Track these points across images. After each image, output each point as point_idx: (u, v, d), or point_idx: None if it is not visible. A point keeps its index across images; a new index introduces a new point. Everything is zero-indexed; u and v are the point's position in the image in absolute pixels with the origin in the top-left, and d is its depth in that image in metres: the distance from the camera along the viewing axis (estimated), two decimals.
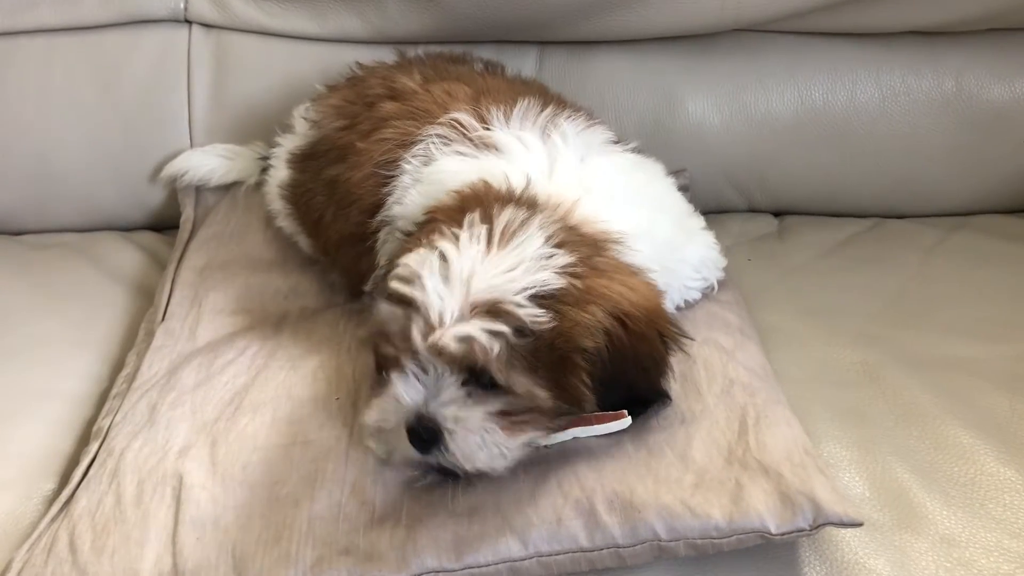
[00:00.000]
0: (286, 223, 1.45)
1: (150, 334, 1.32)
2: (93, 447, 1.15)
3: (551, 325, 0.98)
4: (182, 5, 1.63)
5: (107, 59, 1.64)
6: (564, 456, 1.05)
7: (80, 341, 1.38)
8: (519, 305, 0.97)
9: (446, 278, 0.98)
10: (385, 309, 1.02)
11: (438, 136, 1.22)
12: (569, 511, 1.00)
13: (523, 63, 1.63)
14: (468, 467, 1.00)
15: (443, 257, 0.99)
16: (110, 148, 1.65)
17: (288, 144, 1.45)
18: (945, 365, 1.26)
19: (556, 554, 0.99)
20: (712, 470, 1.02)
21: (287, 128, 1.47)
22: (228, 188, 1.62)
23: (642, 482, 1.01)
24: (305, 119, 1.43)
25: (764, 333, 1.29)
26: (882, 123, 1.62)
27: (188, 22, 1.65)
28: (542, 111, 1.24)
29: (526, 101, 1.24)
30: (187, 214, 1.60)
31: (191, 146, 1.65)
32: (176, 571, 0.98)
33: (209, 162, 1.61)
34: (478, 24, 1.58)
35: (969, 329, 1.33)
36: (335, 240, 1.31)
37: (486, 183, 1.13)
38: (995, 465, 1.10)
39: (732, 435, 1.06)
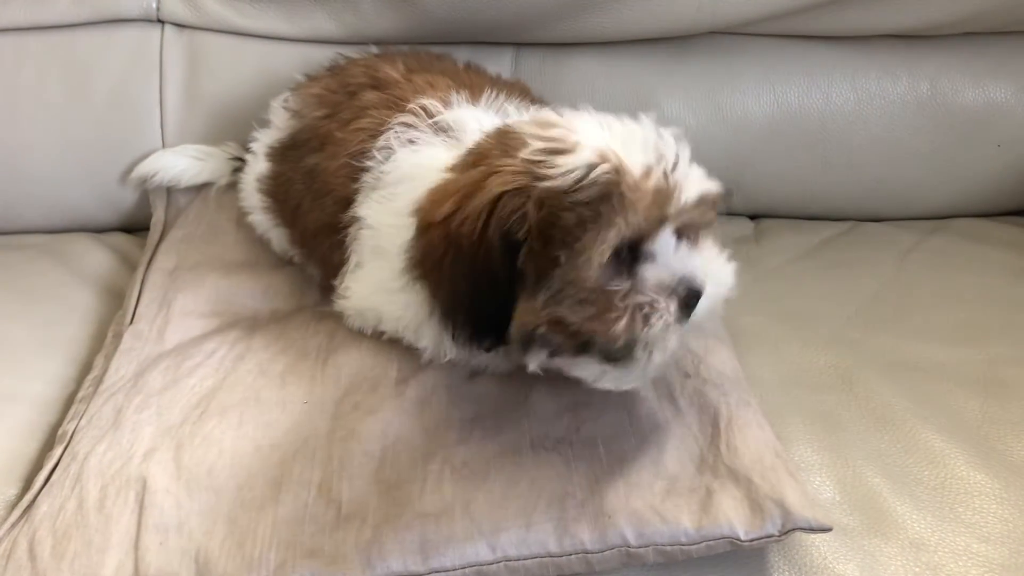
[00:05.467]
0: (261, 217, 1.42)
1: (118, 336, 1.31)
2: (57, 451, 1.13)
3: None
4: (154, 5, 1.61)
5: (78, 59, 1.61)
6: (536, 458, 1.05)
7: (48, 343, 1.36)
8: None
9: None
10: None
11: (401, 124, 1.18)
12: (539, 515, 0.99)
13: (499, 64, 1.62)
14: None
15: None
16: (81, 149, 1.63)
17: (266, 138, 1.42)
18: (918, 369, 1.26)
19: (524, 559, 0.98)
20: (683, 476, 1.02)
21: (265, 123, 1.45)
22: (199, 189, 1.61)
23: (613, 487, 1.01)
24: (285, 108, 1.40)
25: (738, 336, 1.29)
26: (858, 126, 1.62)
27: (161, 22, 1.63)
28: (510, 99, 1.22)
29: (494, 91, 1.22)
30: (158, 216, 1.59)
31: (163, 146, 1.63)
32: None
33: (180, 163, 1.59)
34: (453, 24, 1.57)
35: (943, 333, 1.33)
36: (311, 229, 1.28)
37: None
38: (965, 469, 1.10)
39: (704, 440, 1.07)
